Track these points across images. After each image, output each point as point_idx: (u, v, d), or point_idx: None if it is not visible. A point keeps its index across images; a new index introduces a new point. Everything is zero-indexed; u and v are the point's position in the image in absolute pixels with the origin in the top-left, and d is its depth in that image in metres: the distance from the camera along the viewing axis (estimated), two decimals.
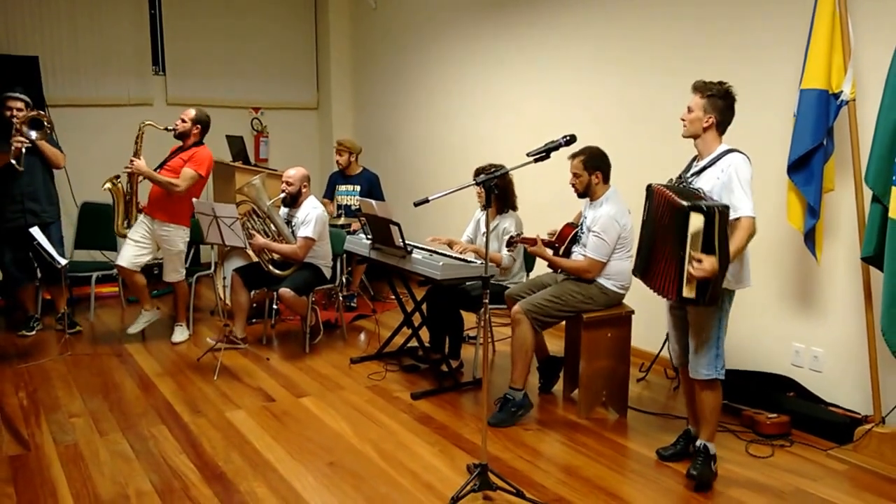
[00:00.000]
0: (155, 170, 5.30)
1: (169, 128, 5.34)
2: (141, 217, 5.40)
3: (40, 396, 4.46)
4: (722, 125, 3.34)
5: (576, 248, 4.20)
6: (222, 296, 5.87)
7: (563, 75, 5.70)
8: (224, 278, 5.73)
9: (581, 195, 4.18)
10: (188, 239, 5.48)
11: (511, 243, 4.40)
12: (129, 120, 7.41)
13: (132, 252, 5.32)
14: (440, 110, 7.21)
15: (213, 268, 6.19)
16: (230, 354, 5.13)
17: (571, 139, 3.35)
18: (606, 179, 4.12)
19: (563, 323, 4.39)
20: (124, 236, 5.42)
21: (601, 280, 4.11)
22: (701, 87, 3.35)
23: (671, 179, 3.45)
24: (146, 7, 7.71)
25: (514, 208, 4.81)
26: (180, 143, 5.41)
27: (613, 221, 4.02)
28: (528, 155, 3.30)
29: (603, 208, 4.07)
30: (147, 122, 5.37)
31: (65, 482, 3.39)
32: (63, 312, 5.64)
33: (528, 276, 4.94)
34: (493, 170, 4.23)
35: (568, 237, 4.26)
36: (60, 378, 4.77)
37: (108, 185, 5.39)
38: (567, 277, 4.19)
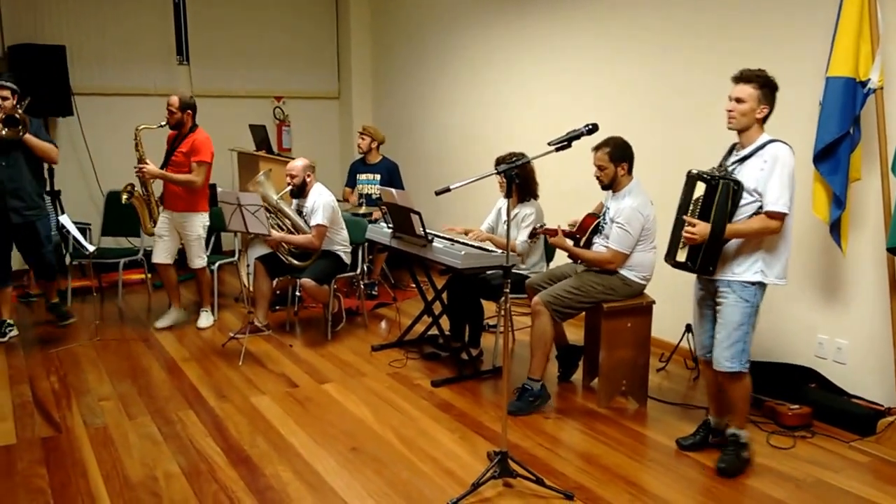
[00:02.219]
0: (162, 167, 5.38)
1: (161, 123, 5.38)
2: (161, 212, 5.51)
3: (71, 380, 4.56)
4: (769, 116, 3.33)
5: (598, 240, 4.20)
6: (246, 283, 5.95)
7: (585, 65, 5.69)
8: (248, 266, 5.81)
9: (605, 187, 4.17)
10: (207, 224, 5.57)
11: (533, 234, 4.42)
12: (154, 110, 7.49)
13: (163, 247, 5.47)
14: (460, 99, 7.22)
15: (236, 255, 6.27)
16: (254, 341, 5.21)
17: (593, 128, 3.35)
18: (631, 170, 4.11)
19: (583, 312, 4.40)
20: (152, 234, 5.54)
21: (623, 271, 4.11)
22: (751, 77, 3.28)
23: (713, 168, 3.43)
24: None
25: (536, 197, 4.82)
26: (175, 132, 5.46)
27: (637, 213, 4.01)
28: (549, 144, 3.31)
29: (626, 200, 4.06)
30: (142, 126, 5.42)
31: (95, 464, 3.48)
32: (54, 303, 5.60)
33: (548, 265, 4.95)
34: (514, 159, 4.26)
35: (589, 228, 4.26)
36: (90, 362, 4.87)
37: (125, 196, 5.46)
38: (587, 269, 4.20)
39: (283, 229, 5.27)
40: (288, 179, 5.37)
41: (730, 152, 3.45)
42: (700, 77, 4.79)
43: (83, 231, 5.92)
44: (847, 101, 3.74)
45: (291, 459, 3.54)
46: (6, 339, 5.26)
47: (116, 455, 3.57)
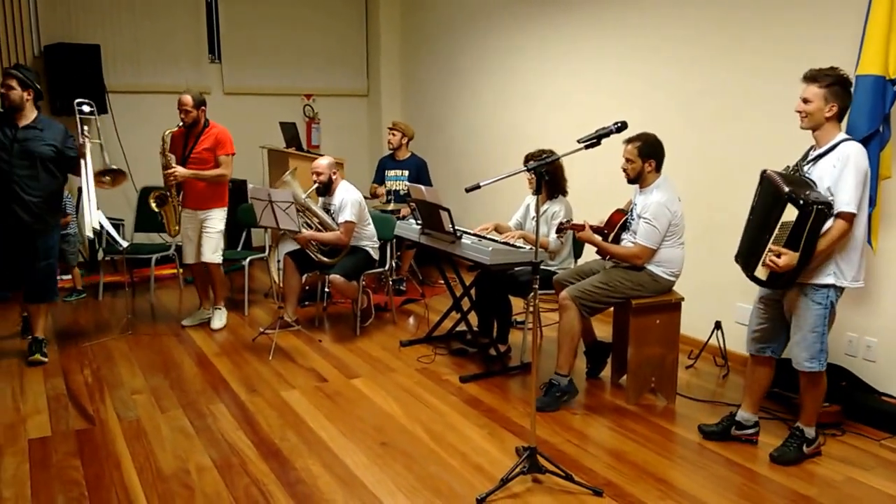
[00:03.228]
0: (183, 165, 5.35)
1: (180, 124, 5.35)
2: (182, 212, 5.50)
3: (104, 374, 4.64)
4: (842, 112, 3.30)
5: (625, 235, 4.20)
6: (276, 279, 6.00)
7: (613, 62, 5.66)
8: (277, 261, 5.86)
9: (631, 181, 4.17)
10: (225, 219, 5.58)
11: (560, 229, 4.42)
12: None
13: (192, 248, 5.50)
14: (488, 96, 7.22)
15: (266, 251, 6.33)
16: (284, 336, 5.26)
17: (622, 126, 3.35)
18: (659, 168, 4.09)
19: (612, 308, 4.40)
20: (176, 234, 5.58)
21: (651, 267, 4.10)
22: (817, 77, 3.27)
23: (788, 167, 3.41)
24: None
25: (565, 193, 4.82)
26: (183, 129, 5.41)
27: (664, 208, 4.01)
28: (578, 141, 3.32)
29: (654, 195, 4.05)
30: (167, 132, 5.39)
31: (128, 456, 3.54)
32: (36, 338, 4.90)
33: (576, 261, 4.95)
34: (543, 156, 4.26)
35: (617, 224, 4.26)
36: (122, 356, 4.95)
37: (155, 204, 5.45)
38: (615, 264, 4.20)
39: (311, 227, 5.31)
40: (314, 178, 5.41)
41: (807, 153, 3.42)
42: (728, 76, 4.75)
43: (117, 227, 5.99)
44: (877, 99, 3.71)
45: (321, 453, 3.58)
46: (48, 359, 4.82)
47: (149, 447, 3.63)
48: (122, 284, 6.73)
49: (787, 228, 3.15)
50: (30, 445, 3.65)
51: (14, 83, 4.56)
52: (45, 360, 4.80)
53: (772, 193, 3.25)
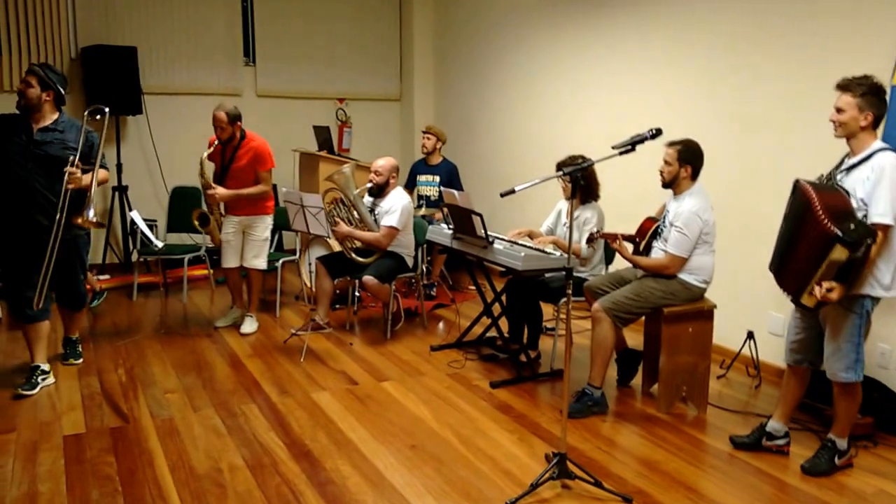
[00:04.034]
0: (220, 180, 5.36)
1: (215, 141, 5.32)
2: (225, 218, 5.53)
3: (137, 373, 4.70)
4: (878, 120, 3.26)
5: (657, 244, 4.18)
6: (307, 282, 6.05)
7: (648, 68, 5.64)
8: (309, 264, 5.90)
9: (665, 185, 4.15)
10: (271, 225, 5.62)
11: (592, 239, 4.42)
12: None
13: (232, 252, 5.53)
14: (521, 103, 7.22)
15: (297, 254, 6.38)
16: (315, 338, 5.29)
17: (657, 132, 3.33)
18: (695, 176, 4.07)
19: (643, 317, 4.38)
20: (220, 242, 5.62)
21: (683, 275, 4.08)
22: (850, 86, 3.24)
23: (821, 176, 3.38)
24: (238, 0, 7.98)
25: (597, 199, 4.80)
26: (219, 146, 5.38)
27: (696, 216, 3.99)
28: (613, 148, 3.31)
29: (686, 203, 4.03)
30: (205, 154, 5.36)
31: (161, 454, 3.58)
32: (72, 338, 4.88)
33: (607, 268, 4.93)
34: (577, 161, 4.27)
35: (648, 231, 4.24)
36: (156, 355, 5.02)
37: (198, 223, 5.48)
38: (646, 273, 4.18)
39: (351, 223, 5.34)
40: (372, 176, 5.43)
41: (841, 161, 3.38)
42: (763, 84, 4.71)
43: (151, 227, 6.07)
44: None
45: (351, 455, 3.59)
46: (35, 390, 4.32)
47: (182, 446, 3.67)
48: (154, 285, 6.82)
49: (834, 266, 3.11)
50: (65, 442, 3.70)
51: (34, 81, 4.19)
52: (30, 393, 4.29)
53: (815, 225, 3.15)
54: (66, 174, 4.19)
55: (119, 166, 7.23)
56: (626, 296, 4.08)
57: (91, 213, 4.29)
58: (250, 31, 8.11)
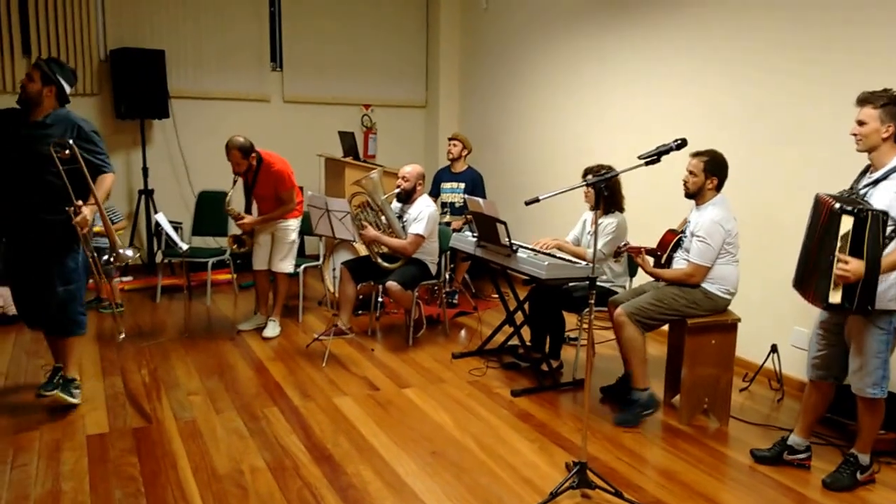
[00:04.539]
0: (247, 204, 5.50)
1: (236, 178, 5.37)
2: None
3: (160, 374, 4.74)
4: None
5: (679, 254, 4.17)
6: (330, 287, 6.07)
7: (672, 82, 5.61)
8: (333, 270, 5.93)
9: (689, 195, 4.14)
10: (299, 227, 5.68)
11: (619, 253, 4.42)
12: (246, 114, 7.81)
13: (262, 255, 5.60)
14: (546, 111, 7.22)
15: (321, 259, 6.41)
16: (337, 343, 5.32)
17: (683, 143, 3.33)
18: (720, 187, 4.07)
19: (666, 328, 4.36)
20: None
21: (705, 285, 4.06)
22: (871, 99, 3.23)
23: (843, 191, 3.35)
24: (266, 5, 8.04)
25: (621, 209, 4.79)
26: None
27: (718, 226, 3.98)
28: (639, 158, 3.31)
29: (708, 212, 4.03)
30: (229, 194, 5.40)
31: (184, 455, 3.61)
32: (62, 375, 4.21)
33: (631, 280, 4.91)
34: (602, 171, 4.27)
35: (669, 244, 4.23)
36: (179, 358, 5.06)
37: (235, 247, 5.53)
38: (669, 284, 4.16)
39: (379, 228, 5.37)
40: (399, 182, 5.46)
41: (862, 174, 3.36)
42: (786, 98, 4.70)
43: (176, 229, 6.12)
44: None
45: (372, 460, 3.61)
46: (77, 401, 4.18)
47: (204, 448, 3.70)
48: (178, 287, 6.87)
49: (847, 240, 3.08)
50: (88, 441, 3.74)
51: (36, 76, 3.95)
52: (74, 401, 4.14)
53: (825, 214, 3.18)
54: (76, 225, 3.85)
55: (145, 170, 7.31)
56: (648, 301, 4.08)
57: (121, 250, 4.09)
58: (278, 36, 8.18)
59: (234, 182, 5.38)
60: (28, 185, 3.89)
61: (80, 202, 3.88)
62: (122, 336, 4.71)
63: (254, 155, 5.35)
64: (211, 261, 6.47)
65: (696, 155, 4.06)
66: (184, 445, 3.72)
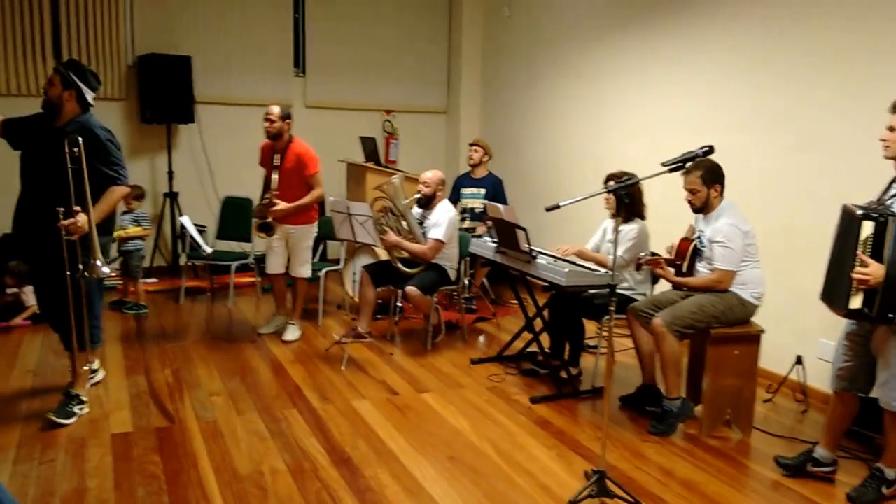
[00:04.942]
0: (265, 188, 5.41)
1: (271, 133, 5.37)
2: None
3: (183, 375, 4.79)
4: None
5: (701, 266, 4.14)
6: (350, 291, 6.10)
7: (697, 85, 5.59)
8: (353, 274, 5.95)
9: (698, 210, 4.14)
10: (316, 233, 5.70)
11: (639, 266, 4.41)
12: None
13: (277, 258, 5.61)
14: (568, 118, 7.21)
15: (341, 263, 6.45)
16: (356, 347, 5.34)
17: (710, 150, 3.32)
18: (722, 192, 4.07)
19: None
20: None
21: (738, 291, 4.04)
22: None
23: (870, 202, 3.32)
24: (291, 11, 8.12)
25: (642, 217, 4.77)
26: (269, 150, 5.49)
27: (736, 229, 3.98)
28: (663, 165, 3.30)
29: (721, 220, 4.03)
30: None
31: (206, 455, 3.65)
32: (66, 390, 4.14)
33: (652, 288, 4.88)
34: (624, 177, 4.25)
35: (687, 252, 4.21)
36: (201, 359, 5.11)
37: (263, 234, 5.46)
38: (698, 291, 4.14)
39: (399, 233, 5.39)
40: (420, 188, 5.50)
41: (890, 185, 3.32)
42: (809, 106, 4.66)
43: (200, 233, 6.18)
44: None
45: (390, 464, 3.62)
46: (70, 420, 3.98)
47: (225, 448, 3.73)
48: (201, 290, 6.94)
49: (867, 245, 3.06)
50: (112, 439, 3.79)
51: (56, 80, 3.94)
52: (65, 422, 3.93)
53: (847, 221, 3.17)
54: (63, 228, 3.75)
55: (170, 173, 7.40)
56: (687, 310, 4.03)
57: (99, 263, 3.83)
58: (301, 42, 8.25)
59: (261, 151, 5.43)
60: (49, 191, 3.84)
61: (77, 207, 3.78)
62: None
63: (289, 122, 5.39)
64: (234, 264, 6.52)
65: (687, 172, 4.03)
66: (205, 445, 3.76)
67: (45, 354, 5.09)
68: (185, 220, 5.54)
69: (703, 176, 4.02)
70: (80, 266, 3.87)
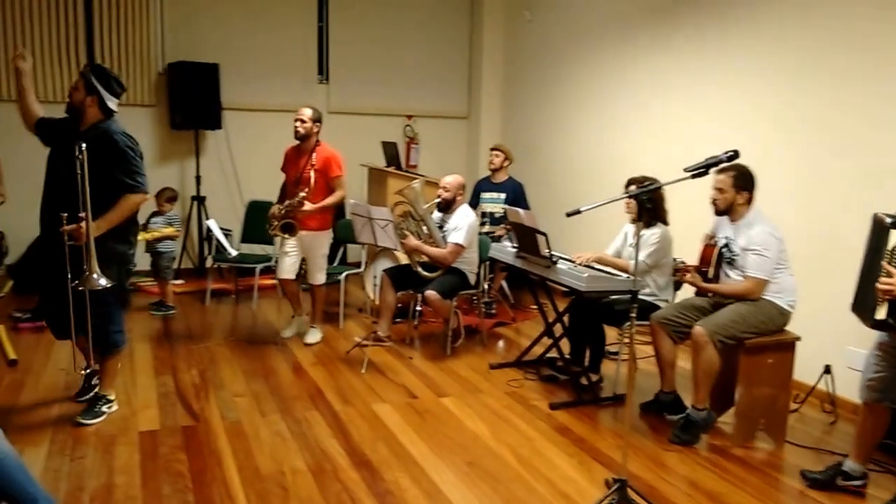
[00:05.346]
0: (295, 188, 5.39)
1: (300, 134, 5.38)
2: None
3: (209, 375, 4.86)
4: None
5: (731, 273, 4.10)
6: (371, 294, 6.13)
7: (723, 89, 5.56)
8: (374, 277, 5.99)
9: (719, 213, 4.11)
10: (332, 239, 5.73)
11: (676, 271, 4.37)
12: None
13: (290, 264, 5.59)
14: (589, 123, 7.21)
15: (362, 267, 6.49)
16: (376, 351, 5.37)
17: (734, 155, 3.29)
18: (751, 200, 4.04)
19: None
20: None
21: (774, 299, 4.00)
22: None
23: None
24: (315, 20, 8.23)
25: (665, 222, 4.73)
26: (294, 152, 5.53)
27: (771, 237, 3.94)
28: (685, 170, 3.27)
29: (756, 227, 3.98)
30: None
31: (230, 454, 3.70)
32: (95, 393, 4.26)
33: (674, 294, 4.86)
34: (646, 182, 4.23)
35: (711, 258, 4.17)
36: (226, 360, 5.18)
37: (287, 234, 5.42)
38: (721, 300, 4.12)
39: (420, 238, 5.42)
40: (440, 192, 5.53)
41: None
42: (841, 111, 4.60)
43: (226, 236, 6.26)
44: None
45: (410, 467, 3.64)
46: (98, 420, 4.05)
47: (248, 448, 3.78)
48: (227, 292, 7.02)
49: (893, 253, 3.02)
50: (140, 437, 3.86)
51: (80, 84, 3.89)
52: (91, 422, 4.00)
53: (877, 230, 3.14)
54: (65, 234, 3.65)
55: (198, 178, 7.52)
56: (729, 319, 3.98)
57: (95, 276, 3.63)
58: (324, 50, 8.34)
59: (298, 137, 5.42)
60: (67, 194, 3.69)
61: (83, 214, 3.63)
62: None
63: (319, 125, 5.43)
64: (258, 267, 6.59)
65: (721, 171, 3.99)
66: (229, 444, 3.81)
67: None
68: (212, 224, 5.61)
69: (736, 178, 3.99)
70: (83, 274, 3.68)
